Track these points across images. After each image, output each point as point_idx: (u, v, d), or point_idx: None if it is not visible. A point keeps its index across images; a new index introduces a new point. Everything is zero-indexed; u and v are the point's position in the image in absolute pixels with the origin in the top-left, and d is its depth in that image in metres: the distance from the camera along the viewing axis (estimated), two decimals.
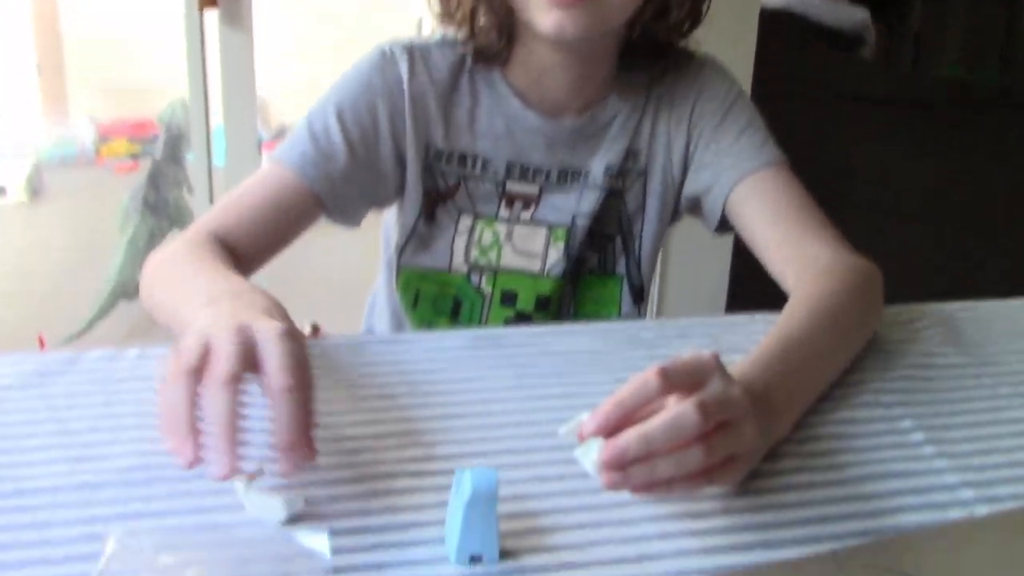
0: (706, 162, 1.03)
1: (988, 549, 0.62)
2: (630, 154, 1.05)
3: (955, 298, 1.00)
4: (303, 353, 0.65)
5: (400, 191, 1.05)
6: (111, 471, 0.67)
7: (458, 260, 1.07)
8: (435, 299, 1.08)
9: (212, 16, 1.94)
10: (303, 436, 0.62)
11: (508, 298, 1.08)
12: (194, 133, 2.10)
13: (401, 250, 1.07)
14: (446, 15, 1.01)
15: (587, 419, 0.61)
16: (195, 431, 0.60)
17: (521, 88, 1.02)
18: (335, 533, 0.61)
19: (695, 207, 1.08)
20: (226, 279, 0.80)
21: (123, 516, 0.62)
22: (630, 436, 0.59)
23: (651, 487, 0.61)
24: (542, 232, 1.06)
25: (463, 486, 0.58)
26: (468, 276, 1.07)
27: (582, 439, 0.61)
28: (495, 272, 1.07)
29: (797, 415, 0.75)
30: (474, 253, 1.06)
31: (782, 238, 0.96)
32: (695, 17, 1.01)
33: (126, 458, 0.68)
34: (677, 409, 0.60)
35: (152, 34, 3.90)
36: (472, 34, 1.00)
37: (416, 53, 1.01)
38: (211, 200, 2.03)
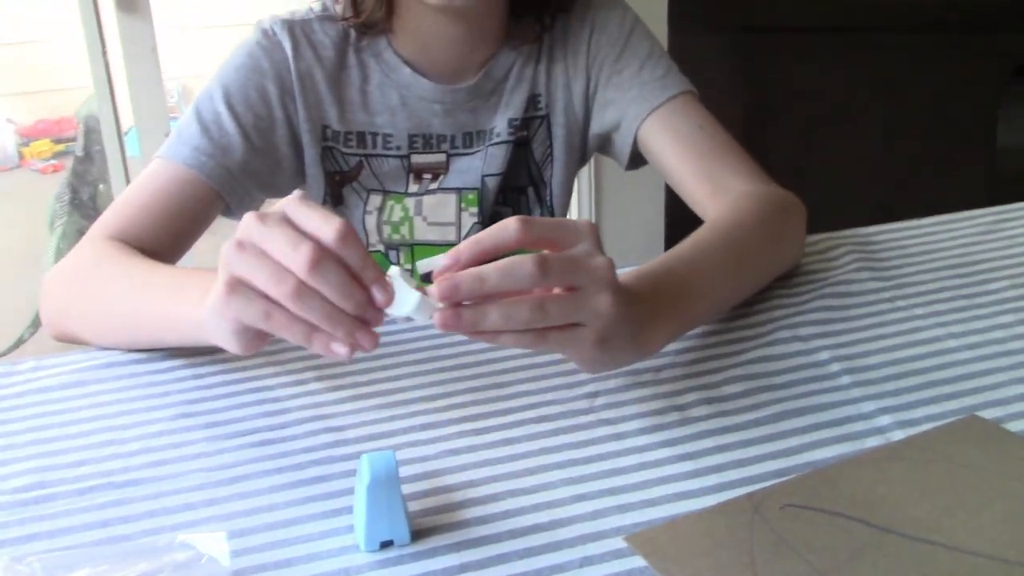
0: (609, 98, 1.01)
1: (906, 474, 0.61)
2: (530, 101, 1.02)
3: (877, 222, 0.99)
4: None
5: (298, 176, 1.01)
6: (3, 492, 0.63)
7: (372, 239, 1.03)
8: None
9: (108, 5, 1.87)
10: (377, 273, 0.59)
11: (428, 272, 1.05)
12: (104, 128, 2.04)
13: None
14: None
15: (442, 256, 0.59)
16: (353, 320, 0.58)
17: (410, 56, 0.99)
18: (236, 535, 0.58)
19: (604, 145, 1.06)
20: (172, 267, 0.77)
21: (15, 540, 0.59)
22: (465, 272, 0.58)
23: (480, 333, 0.59)
24: (451, 199, 1.03)
25: (363, 471, 0.56)
26: (386, 254, 1.04)
27: (435, 279, 0.59)
28: (411, 247, 1.04)
29: (680, 326, 0.73)
30: (386, 230, 1.03)
31: (697, 173, 0.93)
32: None
33: (20, 478, 0.65)
34: (517, 257, 0.58)
35: (62, 32, 3.79)
36: (353, 6, 0.96)
37: (298, 30, 0.97)
38: None
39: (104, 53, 1.89)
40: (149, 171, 0.92)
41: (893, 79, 2.40)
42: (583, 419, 0.69)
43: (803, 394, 0.71)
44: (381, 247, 1.04)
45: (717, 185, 0.92)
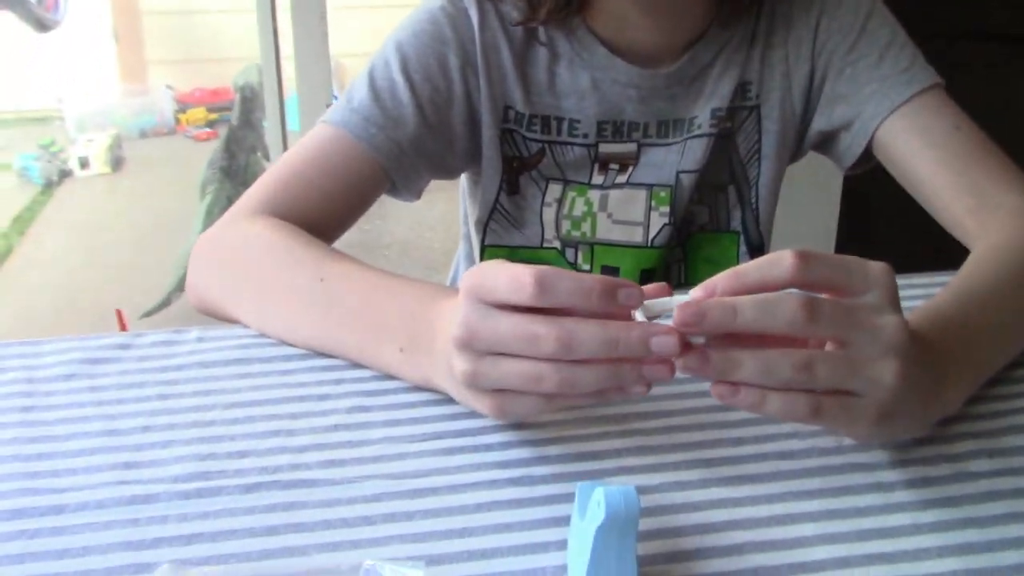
0: (840, 93, 0.88)
1: None
2: (739, 90, 0.90)
3: None
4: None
5: (470, 159, 0.90)
6: (164, 480, 0.56)
7: (549, 234, 0.93)
8: None
9: None
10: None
11: (609, 274, 0.92)
12: (267, 98, 2.01)
13: (484, 228, 0.93)
14: None
15: (696, 288, 0.49)
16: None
17: (606, 34, 0.87)
18: (428, 562, 0.49)
19: (824, 144, 0.93)
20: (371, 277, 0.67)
21: (175, 540, 0.51)
22: (715, 300, 0.48)
23: (729, 386, 0.49)
24: (641, 196, 0.92)
25: (594, 507, 0.45)
26: (563, 252, 0.93)
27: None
28: (591, 246, 0.93)
29: (973, 385, 0.61)
30: (566, 225, 0.92)
31: (956, 183, 0.80)
32: None
33: (181, 463, 0.57)
34: (781, 293, 0.48)
35: (224, 3, 3.84)
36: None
37: None
38: None
39: (274, 27, 1.85)
40: (313, 138, 0.83)
41: None
42: (834, 460, 0.57)
43: None
44: (557, 244, 0.93)
45: (982, 199, 0.78)
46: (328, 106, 1.98)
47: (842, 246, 2.09)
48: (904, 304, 0.51)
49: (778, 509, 0.53)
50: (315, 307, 0.67)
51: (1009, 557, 0.50)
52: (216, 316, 0.75)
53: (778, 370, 0.48)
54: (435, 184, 0.91)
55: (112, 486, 0.55)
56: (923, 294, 0.75)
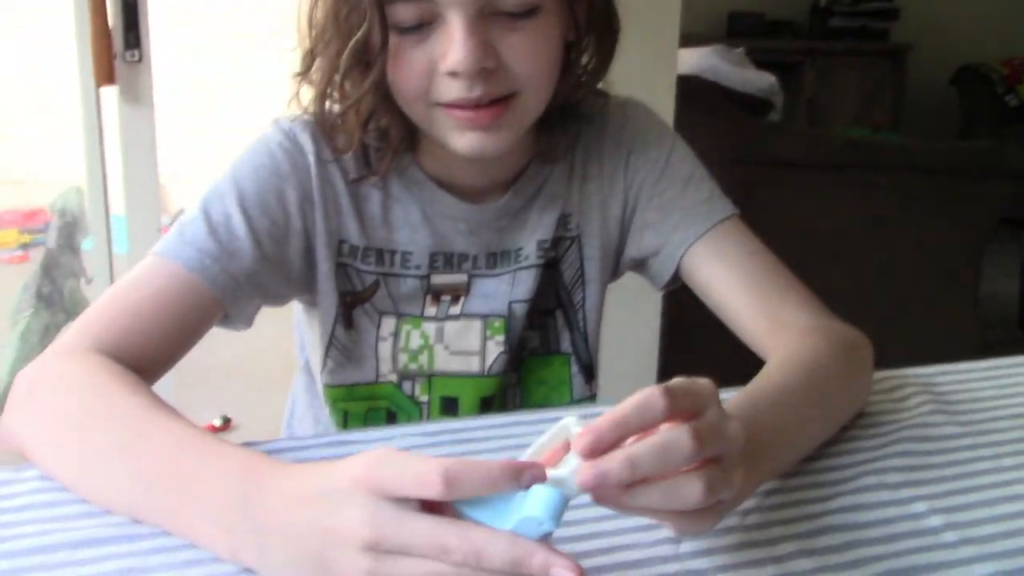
0: (648, 221, 0.95)
1: None
2: (561, 221, 0.96)
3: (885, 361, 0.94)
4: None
5: (305, 290, 0.92)
6: None
7: (385, 368, 0.95)
8: (366, 416, 0.96)
9: (109, 94, 1.82)
10: None
11: (449, 405, 0.97)
12: (92, 219, 1.96)
13: (322, 366, 0.95)
14: (327, 129, 0.88)
15: (580, 434, 0.53)
16: None
17: (434, 172, 0.91)
18: None
19: (638, 267, 1.00)
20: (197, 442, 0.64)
21: None
22: (615, 458, 0.52)
23: (630, 510, 0.54)
24: (476, 326, 0.95)
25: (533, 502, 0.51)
26: (399, 385, 0.96)
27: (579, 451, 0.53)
28: (429, 378, 0.96)
29: (762, 479, 0.68)
30: (403, 359, 0.95)
31: (753, 306, 0.88)
32: (604, 60, 0.91)
33: None
34: (670, 433, 0.53)
35: (41, 120, 3.74)
36: (363, 148, 0.89)
37: (319, 134, 0.89)
38: None
39: (101, 145, 1.83)
40: (143, 270, 0.82)
41: (884, 218, 2.41)
42: (669, 568, 0.61)
43: (907, 551, 0.64)
44: (394, 377, 0.95)
45: (776, 319, 0.86)
46: (159, 230, 1.96)
47: (665, 354, 2.19)
48: None
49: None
50: (126, 465, 0.65)
51: None
52: (30, 462, 0.71)
53: (682, 493, 0.53)
54: (264, 307, 0.91)
55: None
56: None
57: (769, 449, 0.67)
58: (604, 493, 0.52)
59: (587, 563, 0.61)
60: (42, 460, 0.70)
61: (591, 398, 1.02)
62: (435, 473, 0.49)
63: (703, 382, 0.57)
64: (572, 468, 0.52)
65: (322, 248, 0.89)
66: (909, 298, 2.47)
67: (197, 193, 0.88)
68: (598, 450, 0.52)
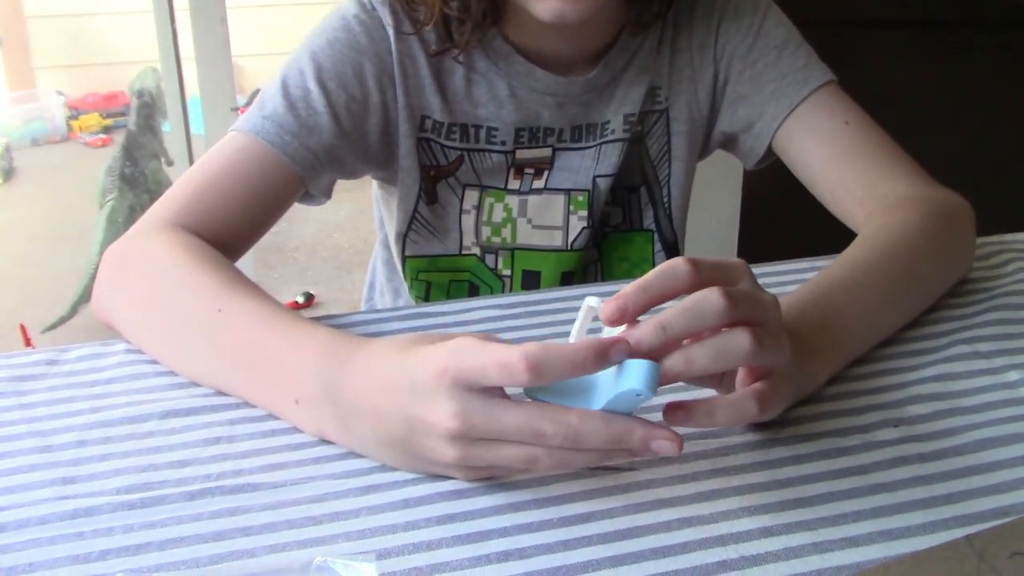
0: (742, 93, 0.92)
1: None
2: (649, 94, 0.93)
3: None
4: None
5: (383, 166, 0.91)
6: (105, 493, 0.56)
7: (468, 240, 0.95)
8: (448, 288, 0.97)
9: None
10: None
11: (530, 278, 0.97)
12: (169, 101, 1.98)
13: (403, 240, 0.95)
14: (406, 0, 0.86)
15: (606, 303, 0.52)
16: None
17: (522, 45, 0.89)
18: (376, 556, 0.51)
19: (728, 144, 0.97)
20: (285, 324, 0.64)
21: (124, 550, 0.52)
22: (644, 326, 0.51)
23: (687, 378, 0.53)
24: (559, 201, 0.94)
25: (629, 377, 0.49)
26: (482, 258, 0.96)
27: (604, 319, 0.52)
28: (512, 251, 0.96)
29: (835, 364, 0.66)
30: (485, 231, 0.94)
31: (848, 177, 0.85)
32: None
33: (121, 476, 0.58)
34: (699, 294, 0.52)
35: (116, 2, 3.75)
36: (444, 20, 0.86)
37: (398, 5, 0.86)
38: None
39: (173, 27, 1.83)
40: (224, 146, 0.82)
41: (984, 81, 2.29)
42: (752, 437, 0.61)
43: (1001, 420, 0.62)
44: (477, 250, 0.95)
45: (870, 190, 0.83)
46: (233, 109, 1.97)
47: (744, 236, 2.16)
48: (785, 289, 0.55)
49: (704, 487, 0.56)
50: (209, 340, 0.66)
51: (917, 517, 0.54)
52: (121, 337, 0.73)
53: (732, 344, 0.52)
54: (341, 184, 0.92)
55: (52, 502, 0.55)
56: (803, 279, 0.79)
57: (843, 333, 0.66)
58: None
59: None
60: (130, 334, 0.72)
61: None
62: (519, 360, 0.48)
63: (735, 260, 0.56)
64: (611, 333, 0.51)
65: (403, 124, 0.88)
66: (1008, 163, 2.37)
67: (272, 71, 0.87)
68: (624, 316, 0.51)
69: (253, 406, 0.64)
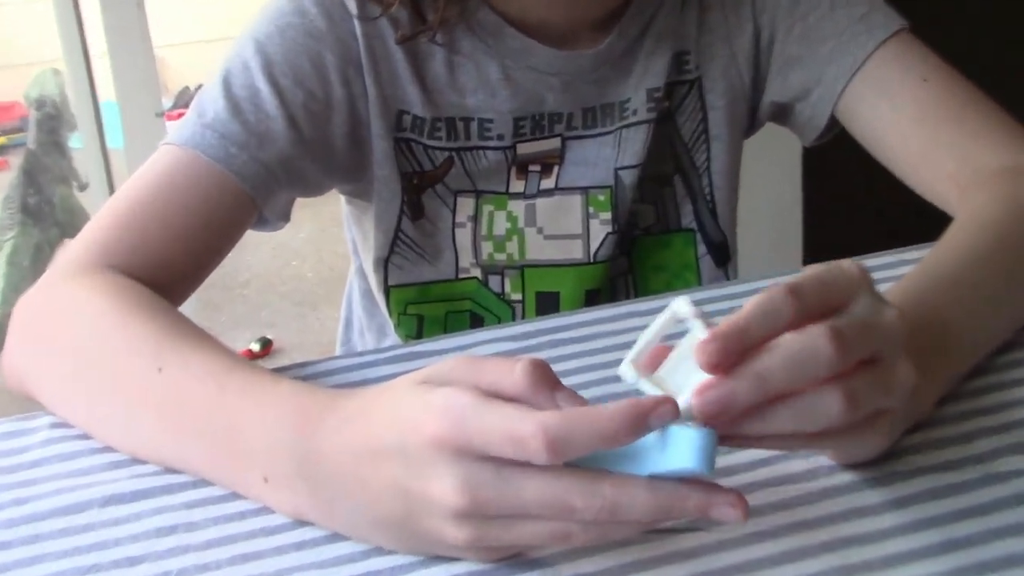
0: (793, 54, 0.93)
1: None
2: (676, 62, 0.94)
3: None
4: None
5: (352, 177, 0.93)
6: None
7: (465, 260, 0.96)
8: (445, 321, 0.98)
9: None
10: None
11: (547, 302, 0.97)
12: (76, 110, 2.00)
13: (384, 265, 0.96)
14: None
15: (704, 343, 0.50)
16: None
17: (514, 15, 0.89)
18: None
19: (781, 116, 0.99)
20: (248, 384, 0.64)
21: None
22: (740, 377, 0.50)
23: (764, 442, 0.54)
24: (576, 202, 0.95)
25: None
26: (485, 281, 0.97)
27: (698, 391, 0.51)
28: (521, 270, 0.97)
29: (944, 383, 0.67)
30: (486, 248, 0.96)
31: (933, 146, 0.86)
32: None
33: None
34: (803, 337, 0.51)
35: None
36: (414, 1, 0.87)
37: None
38: (112, 191, 1.93)
39: (77, 8, 1.84)
40: (156, 164, 0.83)
41: None
42: (841, 479, 0.61)
43: None
44: (478, 272, 0.96)
45: (963, 162, 0.84)
46: (159, 114, 1.98)
47: (810, 227, 2.17)
48: None
49: (785, 544, 0.57)
50: (150, 407, 0.66)
51: None
52: (42, 407, 0.73)
53: (820, 410, 0.51)
54: (299, 201, 0.93)
55: None
56: (891, 275, 0.80)
57: (952, 343, 0.66)
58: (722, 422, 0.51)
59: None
60: (53, 403, 0.72)
61: None
62: (534, 436, 0.48)
63: (848, 267, 0.55)
64: (688, 391, 0.51)
65: (376, 123, 0.89)
66: None
67: (204, 65, 0.88)
68: (722, 363, 0.50)
69: (213, 484, 0.64)
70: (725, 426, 0.51)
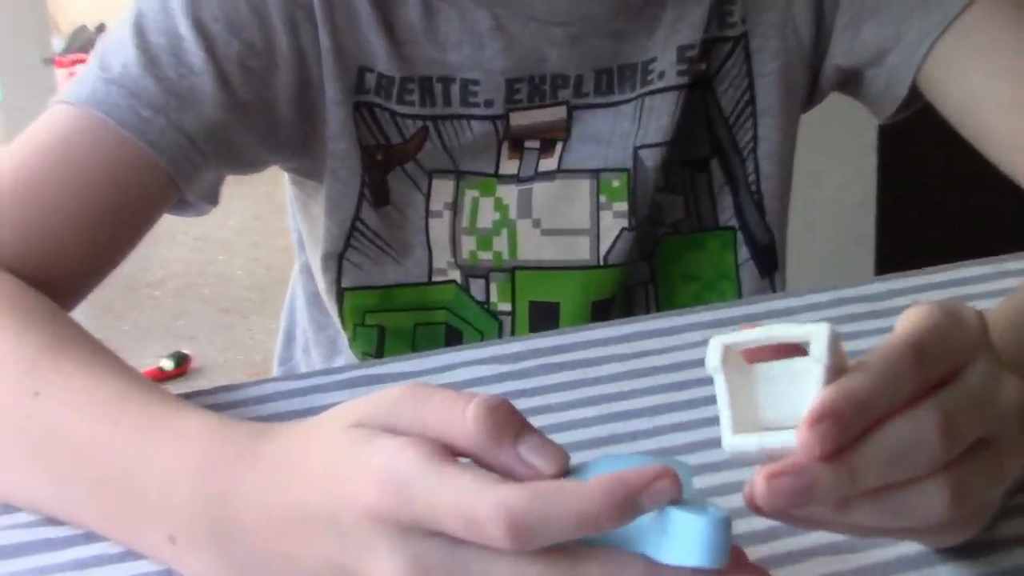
0: (867, 6, 0.94)
1: None
2: (716, 13, 0.96)
3: None
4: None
5: (299, 151, 0.94)
6: None
7: (441, 259, 0.97)
8: (414, 336, 0.99)
9: None
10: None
11: (543, 314, 0.98)
12: None
13: (338, 262, 0.97)
14: None
15: (811, 417, 0.49)
16: None
17: None
18: None
19: (850, 82, 1.00)
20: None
21: None
22: (827, 468, 0.49)
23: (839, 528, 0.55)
24: (583, 188, 0.96)
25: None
26: (465, 286, 0.98)
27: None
28: (511, 273, 0.98)
29: None
30: (468, 244, 0.97)
31: None
32: None
33: None
34: (910, 426, 0.51)
35: None
36: None
37: None
38: None
39: None
40: (47, 129, 0.84)
41: None
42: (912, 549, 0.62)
43: None
44: (456, 274, 0.97)
45: None
46: (47, 60, 1.99)
47: (884, 230, 2.18)
48: None
49: None
50: (23, 442, 0.67)
51: None
52: None
53: (916, 511, 0.52)
54: (230, 179, 0.94)
55: None
56: (987, 291, 0.82)
57: None
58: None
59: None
60: None
61: None
62: (494, 517, 0.47)
63: (969, 317, 0.55)
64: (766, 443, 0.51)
65: (332, 84, 0.90)
66: None
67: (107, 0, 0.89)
68: (834, 442, 0.49)
69: (104, 538, 0.65)
70: (789, 514, 0.51)
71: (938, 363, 0.53)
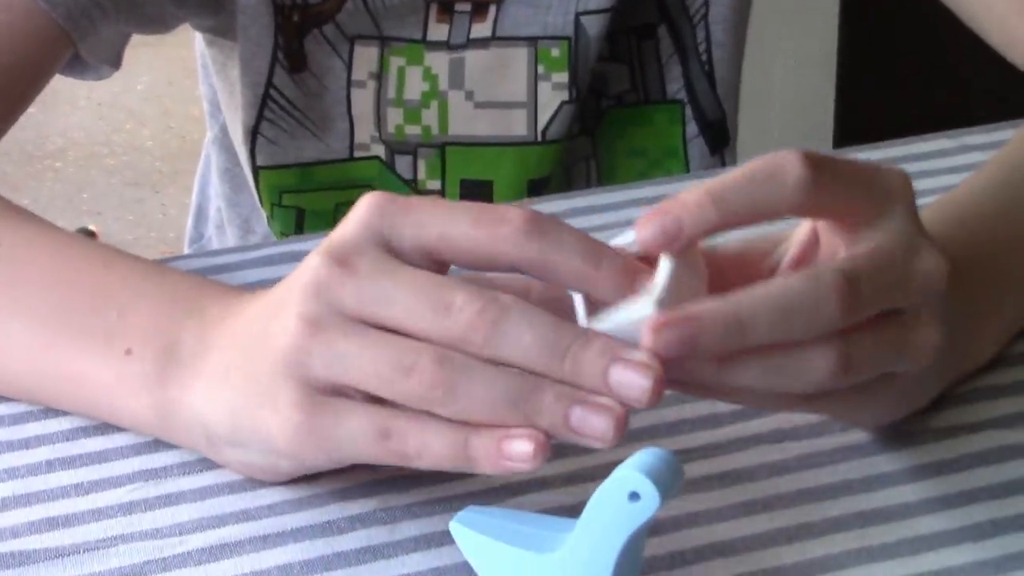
0: None
1: None
2: None
3: None
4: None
5: (209, 7, 0.93)
6: None
7: (364, 133, 0.97)
8: (335, 217, 0.98)
9: None
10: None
11: (476, 192, 0.99)
12: None
13: (252, 136, 0.97)
14: None
15: (643, 220, 0.52)
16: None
17: None
18: None
19: None
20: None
21: None
22: (714, 312, 0.51)
23: (732, 396, 0.56)
24: (520, 57, 0.97)
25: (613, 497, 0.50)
26: (390, 163, 0.98)
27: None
28: (441, 148, 0.98)
29: (1002, 335, 0.69)
30: (394, 117, 0.97)
31: None
32: None
33: None
34: (808, 286, 0.52)
35: None
36: None
37: None
38: None
39: None
40: None
41: None
42: (850, 438, 0.64)
43: None
44: (380, 150, 0.98)
45: None
46: None
47: (843, 99, 2.19)
48: None
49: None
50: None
51: None
52: None
53: (802, 374, 0.53)
54: (136, 38, 0.93)
55: None
56: (947, 166, 0.83)
57: (1012, 290, 0.68)
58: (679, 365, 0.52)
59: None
60: None
61: None
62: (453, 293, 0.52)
63: (884, 172, 0.56)
64: (642, 310, 0.52)
65: None
66: None
67: None
68: (675, 241, 0.52)
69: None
70: (677, 370, 0.51)
71: (839, 184, 0.54)
